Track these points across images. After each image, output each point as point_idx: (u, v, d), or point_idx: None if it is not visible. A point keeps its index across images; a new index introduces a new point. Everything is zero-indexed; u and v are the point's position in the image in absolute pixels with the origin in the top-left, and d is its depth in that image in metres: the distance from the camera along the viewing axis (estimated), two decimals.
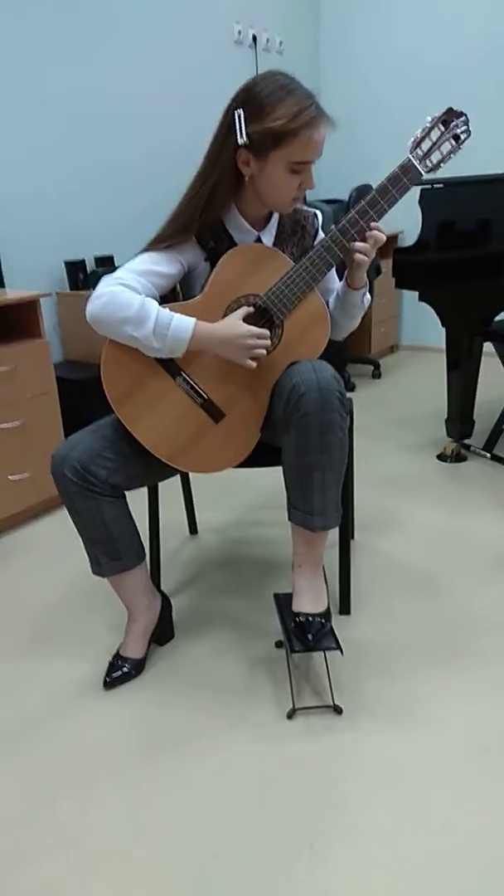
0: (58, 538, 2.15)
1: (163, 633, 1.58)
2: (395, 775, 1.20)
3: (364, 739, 1.28)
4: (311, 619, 1.34)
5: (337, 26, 4.17)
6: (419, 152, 1.27)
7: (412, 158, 1.27)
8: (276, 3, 3.85)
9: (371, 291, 3.88)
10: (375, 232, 1.30)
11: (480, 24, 3.68)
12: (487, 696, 1.38)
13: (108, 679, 1.47)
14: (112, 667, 1.49)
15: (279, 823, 1.12)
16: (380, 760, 1.23)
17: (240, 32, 3.63)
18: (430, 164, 1.28)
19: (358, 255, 1.30)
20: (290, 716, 1.35)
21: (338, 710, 1.35)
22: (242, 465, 1.42)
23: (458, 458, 2.60)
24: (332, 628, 1.36)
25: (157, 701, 1.42)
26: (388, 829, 1.10)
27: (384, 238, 1.31)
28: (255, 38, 3.73)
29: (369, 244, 1.30)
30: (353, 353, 3.97)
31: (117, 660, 1.50)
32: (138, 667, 1.50)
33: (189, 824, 1.13)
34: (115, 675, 1.47)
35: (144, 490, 1.60)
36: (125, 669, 1.48)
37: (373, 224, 1.29)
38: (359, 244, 1.30)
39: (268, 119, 1.20)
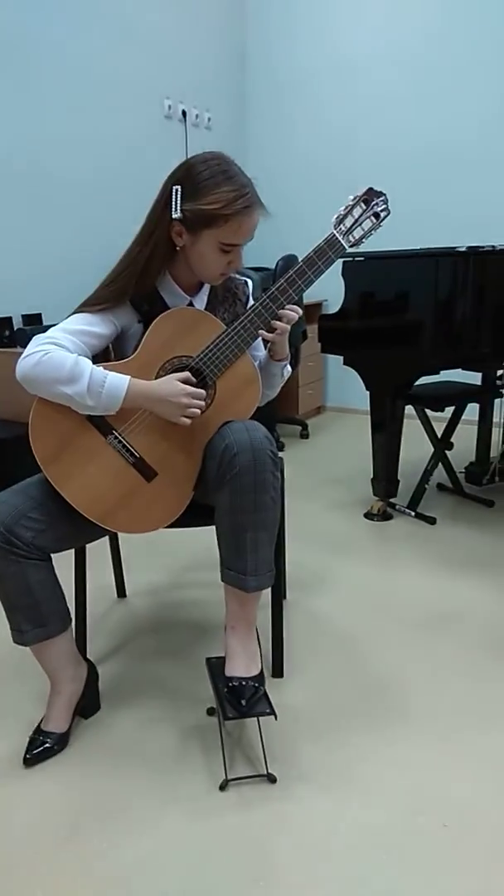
0: None
1: (88, 704, 1.51)
2: (332, 845, 1.17)
3: (299, 809, 1.25)
4: (244, 683, 1.31)
5: (263, 103, 4.44)
6: (342, 228, 1.35)
7: (336, 233, 1.34)
8: (205, 80, 4.07)
9: (298, 356, 4.02)
10: (289, 313, 1.35)
11: (396, 108, 4.01)
12: (420, 759, 1.38)
13: (28, 756, 1.37)
14: (33, 742, 1.39)
15: None
16: (315, 830, 1.20)
17: (170, 107, 3.80)
18: (352, 239, 1.36)
19: (269, 336, 1.36)
20: (222, 787, 1.30)
21: (272, 779, 1.31)
22: (174, 524, 1.41)
23: (385, 516, 2.67)
24: (265, 693, 1.33)
25: (81, 777, 1.34)
26: None
27: (296, 316, 1.36)
28: (184, 113, 3.91)
29: (281, 325, 1.36)
30: (281, 414, 4.06)
31: (39, 735, 1.41)
32: (61, 741, 1.41)
33: None
34: (36, 751, 1.38)
35: (71, 552, 1.55)
36: (47, 745, 1.39)
37: (282, 311, 1.35)
38: (271, 327, 1.35)
39: (203, 200, 1.26)
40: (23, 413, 1.33)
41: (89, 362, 1.26)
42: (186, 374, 1.31)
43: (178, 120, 3.89)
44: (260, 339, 1.37)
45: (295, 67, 4.28)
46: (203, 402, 1.31)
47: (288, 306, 1.35)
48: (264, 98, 4.44)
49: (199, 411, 1.30)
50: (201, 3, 3.97)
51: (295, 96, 4.33)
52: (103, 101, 3.35)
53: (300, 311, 1.38)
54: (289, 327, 1.37)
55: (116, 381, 1.26)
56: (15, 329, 2.86)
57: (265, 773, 1.32)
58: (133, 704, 1.56)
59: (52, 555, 1.35)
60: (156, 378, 1.32)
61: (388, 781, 1.31)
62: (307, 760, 1.37)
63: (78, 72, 3.17)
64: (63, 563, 1.44)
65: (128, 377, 1.27)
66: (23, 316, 2.96)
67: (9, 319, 2.85)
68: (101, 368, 1.26)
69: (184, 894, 1.08)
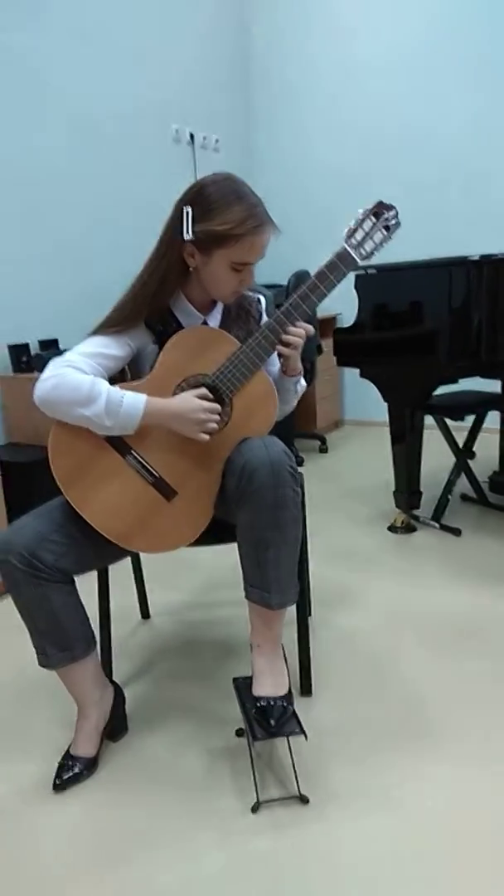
0: (1, 629, 2.04)
1: (116, 727, 1.50)
2: (366, 867, 1.14)
3: (332, 830, 1.22)
4: (272, 703, 1.29)
5: (270, 123, 4.49)
6: (353, 241, 1.35)
7: (347, 247, 1.35)
8: (211, 103, 4.13)
9: (314, 371, 4.01)
10: (298, 330, 1.34)
11: (403, 119, 4.03)
12: (451, 775, 1.34)
13: (57, 781, 1.37)
14: (62, 768, 1.39)
15: None
16: (349, 852, 1.17)
17: (177, 131, 3.86)
18: (364, 253, 1.36)
19: (284, 350, 1.35)
20: (254, 809, 1.28)
21: (304, 800, 1.29)
22: (196, 543, 1.40)
23: (408, 528, 2.64)
24: (294, 712, 1.31)
25: (111, 802, 1.33)
26: None
27: (304, 334, 1.35)
28: (192, 136, 3.96)
29: (294, 340, 1.34)
30: (299, 429, 4.06)
31: (67, 760, 1.40)
32: (90, 766, 1.41)
33: None
34: (65, 776, 1.37)
35: (93, 574, 1.55)
36: (76, 770, 1.38)
37: (292, 329, 1.34)
38: (284, 342, 1.34)
39: (214, 221, 1.27)
40: (42, 437, 1.34)
41: (106, 383, 1.27)
42: (203, 389, 1.31)
43: (186, 143, 3.94)
44: (275, 354, 1.37)
45: (301, 88, 4.33)
46: (218, 417, 1.31)
47: (299, 324, 1.35)
48: (271, 118, 4.49)
49: (216, 426, 1.30)
50: (205, 27, 4.04)
51: (302, 115, 4.37)
52: (111, 129, 3.41)
53: (311, 330, 1.37)
54: (301, 342, 1.36)
55: (133, 401, 1.26)
56: (32, 354, 2.90)
57: (297, 794, 1.30)
58: (161, 727, 1.55)
59: (75, 577, 1.35)
60: (172, 396, 1.32)
61: (422, 801, 1.28)
62: (339, 780, 1.34)
63: (86, 100, 3.24)
64: (86, 585, 1.44)
65: (144, 395, 1.28)
66: (39, 342, 3.00)
67: (26, 345, 2.89)
68: (117, 388, 1.27)
69: None
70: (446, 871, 1.13)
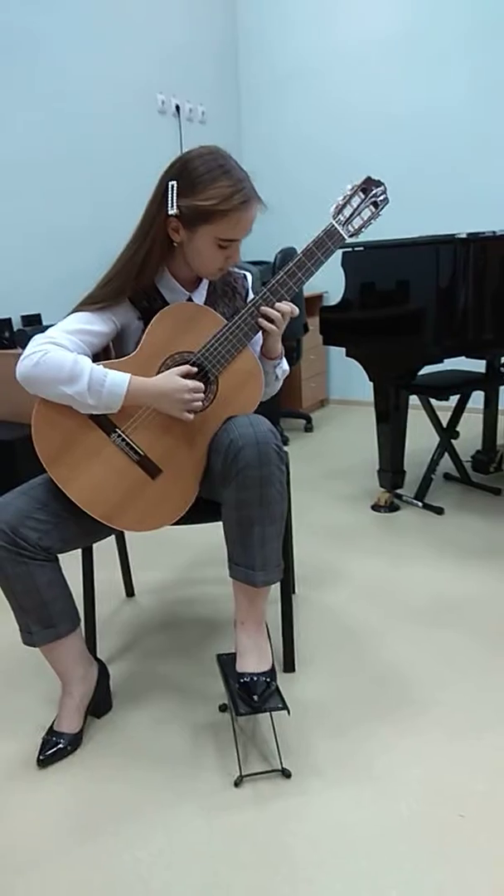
0: None
1: (99, 703, 1.50)
2: (348, 837, 1.16)
3: (314, 802, 1.24)
4: (255, 678, 1.31)
5: (258, 96, 4.41)
6: (341, 217, 1.34)
7: (335, 223, 1.33)
8: (198, 74, 4.05)
9: (300, 349, 3.99)
10: (283, 306, 1.33)
11: (392, 96, 3.98)
12: (433, 749, 1.37)
13: (41, 757, 1.37)
14: (46, 744, 1.39)
15: None
16: (331, 824, 1.19)
17: (163, 102, 3.78)
18: (352, 229, 1.35)
19: (267, 325, 1.33)
20: (237, 784, 1.30)
21: (286, 774, 1.31)
22: (181, 521, 1.40)
23: (392, 507, 2.66)
24: (277, 687, 1.33)
25: (95, 777, 1.34)
26: (344, 894, 1.05)
27: (288, 311, 1.33)
28: (178, 108, 3.89)
29: (274, 318, 1.33)
30: (284, 408, 4.05)
31: (51, 736, 1.41)
32: (74, 742, 1.41)
33: None
34: (49, 752, 1.38)
35: (77, 552, 1.54)
36: (60, 745, 1.39)
37: (276, 304, 1.32)
38: (265, 320, 1.32)
39: (200, 196, 1.24)
40: (25, 414, 1.32)
41: (89, 361, 1.25)
42: (187, 367, 1.30)
43: (171, 115, 3.86)
44: (260, 333, 1.36)
45: (288, 58, 4.25)
46: (202, 396, 1.30)
47: (283, 303, 1.33)
48: (258, 90, 4.41)
49: (200, 405, 1.29)
50: None
51: (289, 87, 4.30)
52: (96, 98, 3.33)
53: (296, 311, 1.35)
54: (282, 318, 1.34)
55: (117, 379, 1.25)
56: (15, 330, 2.85)
57: (280, 767, 1.32)
58: (145, 703, 1.56)
59: (59, 555, 1.35)
60: (157, 374, 1.31)
61: (403, 773, 1.31)
62: (321, 754, 1.36)
63: (70, 69, 3.16)
64: (70, 563, 1.44)
65: (128, 374, 1.26)
66: (22, 317, 2.95)
67: (8, 321, 2.84)
68: (100, 367, 1.26)
69: (202, 891, 1.08)
70: (428, 841, 1.15)
